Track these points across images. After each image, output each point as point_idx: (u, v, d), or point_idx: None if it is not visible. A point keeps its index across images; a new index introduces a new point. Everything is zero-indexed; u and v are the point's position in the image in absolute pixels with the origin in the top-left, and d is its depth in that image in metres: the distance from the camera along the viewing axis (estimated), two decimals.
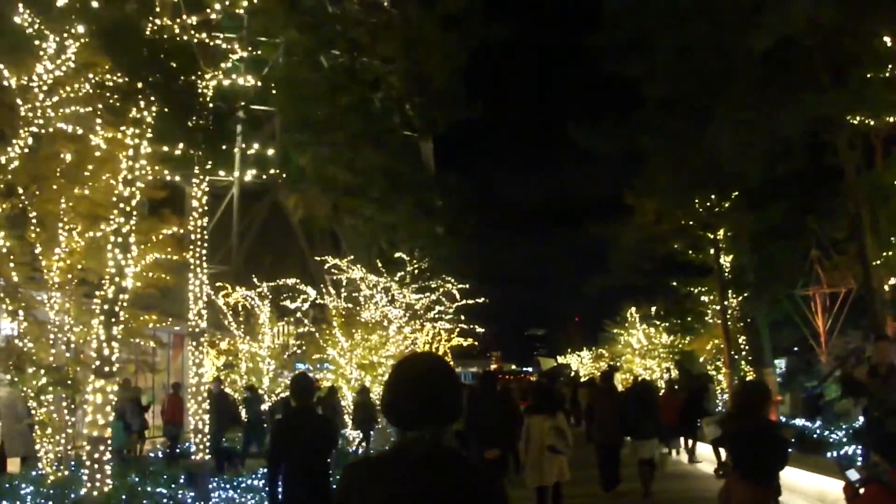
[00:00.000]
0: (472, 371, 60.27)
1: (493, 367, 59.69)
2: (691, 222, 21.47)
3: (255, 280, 20.96)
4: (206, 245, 10.55)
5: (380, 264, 26.40)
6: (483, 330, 29.04)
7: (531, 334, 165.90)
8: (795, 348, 28.38)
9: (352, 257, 25.50)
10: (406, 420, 2.44)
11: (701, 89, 17.71)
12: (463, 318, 27.47)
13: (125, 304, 8.70)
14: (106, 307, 8.41)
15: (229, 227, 65.75)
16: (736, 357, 22.17)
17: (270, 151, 35.12)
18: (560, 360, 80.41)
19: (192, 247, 10.49)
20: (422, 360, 2.65)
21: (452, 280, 25.77)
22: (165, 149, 9.23)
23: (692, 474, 16.48)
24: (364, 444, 18.88)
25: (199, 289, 10.40)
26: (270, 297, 20.00)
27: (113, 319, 8.40)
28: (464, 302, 26.44)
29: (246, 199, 65.54)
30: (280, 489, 5.98)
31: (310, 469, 5.85)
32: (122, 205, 8.50)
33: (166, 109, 8.52)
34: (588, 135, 20.86)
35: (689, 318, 26.34)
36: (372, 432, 19.30)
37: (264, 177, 36.54)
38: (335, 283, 23.25)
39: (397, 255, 25.57)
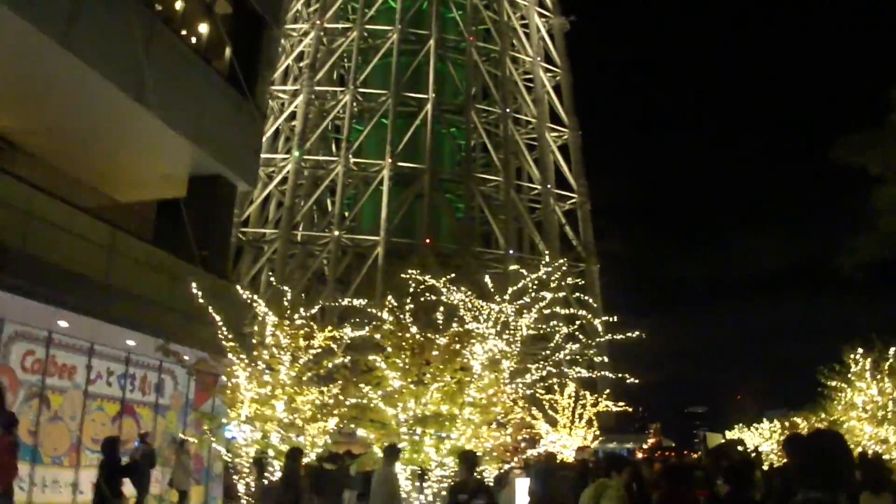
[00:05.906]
0: (628, 447, 49.35)
1: (650, 440, 49.48)
2: None
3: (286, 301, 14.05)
4: None
5: (490, 285, 19.02)
6: (637, 381, 20.49)
7: (691, 412, 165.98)
8: None
9: (453, 276, 18.37)
10: (827, 482, 2.94)
11: None
12: (606, 360, 19.10)
13: None
14: None
15: (374, 287, 60.40)
16: None
17: None
18: (729, 435, 68.67)
19: None
20: (829, 431, 3.34)
21: (592, 303, 17.86)
22: None
23: None
24: None
25: None
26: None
27: None
28: (609, 337, 18.24)
29: (391, 259, 60.39)
30: None
31: None
32: None
33: None
34: None
35: None
36: None
37: None
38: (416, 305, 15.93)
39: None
